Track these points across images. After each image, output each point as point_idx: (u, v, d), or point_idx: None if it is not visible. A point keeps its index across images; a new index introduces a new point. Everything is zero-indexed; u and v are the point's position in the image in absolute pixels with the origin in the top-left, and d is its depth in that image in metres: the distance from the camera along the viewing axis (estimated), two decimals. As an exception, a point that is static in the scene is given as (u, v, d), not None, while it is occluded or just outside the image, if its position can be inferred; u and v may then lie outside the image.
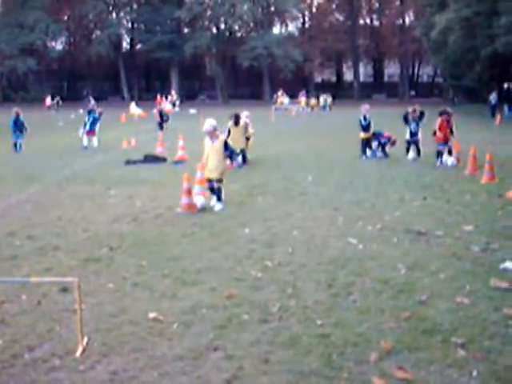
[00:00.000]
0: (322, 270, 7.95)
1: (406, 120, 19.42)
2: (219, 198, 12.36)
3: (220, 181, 12.42)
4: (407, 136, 19.51)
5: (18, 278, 7.69)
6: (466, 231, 9.91)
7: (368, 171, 17.28)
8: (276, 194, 13.71)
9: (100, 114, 26.49)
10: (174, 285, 7.48)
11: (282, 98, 61.77)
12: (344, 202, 12.61)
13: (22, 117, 24.68)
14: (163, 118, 34.56)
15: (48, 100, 63.36)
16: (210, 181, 12.50)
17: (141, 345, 5.74)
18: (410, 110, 19.49)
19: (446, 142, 18.19)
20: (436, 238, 9.51)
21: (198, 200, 12.24)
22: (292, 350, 5.57)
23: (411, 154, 19.47)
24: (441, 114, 18.49)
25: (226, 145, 12.43)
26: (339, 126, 36.37)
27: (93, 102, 28.51)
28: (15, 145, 24.28)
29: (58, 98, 63.15)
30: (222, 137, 12.92)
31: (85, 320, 5.91)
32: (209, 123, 12.46)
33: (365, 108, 20.63)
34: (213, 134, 12.41)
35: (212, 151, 12.36)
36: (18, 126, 24.37)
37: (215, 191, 12.43)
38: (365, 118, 20.38)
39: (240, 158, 17.99)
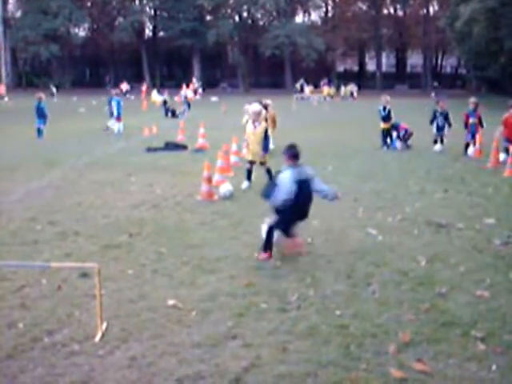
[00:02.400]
0: (341, 261, 7.93)
1: (433, 120, 19.47)
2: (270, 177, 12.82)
3: (265, 163, 12.92)
4: (434, 130, 19.45)
5: (39, 262, 7.74)
6: (487, 224, 9.83)
7: (389, 162, 17.19)
8: (296, 183, 13.66)
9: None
10: (193, 272, 7.50)
11: (309, 89, 61.73)
12: (364, 193, 12.57)
13: (43, 103, 24.69)
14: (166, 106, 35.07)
15: (124, 86, 62.77)
16: (251, 163, 12.98)
17: (159, 331, 5.76)
18: (438, 108, 19.40)
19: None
20: (457, 230, 9.45)
21: (225, 187, 12.20)
22: (310, 340, 5.56)
23: (438, 145, 19.38)
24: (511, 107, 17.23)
25: (266, 133, 12.68)
26: (360, 115, 36.20)
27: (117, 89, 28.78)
28: (38, 130, 24.35)
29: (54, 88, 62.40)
30: (264, 124, 13.04)
31: (104, 305, 5.94)
32: (257, 105, 12.80)
33: (385, 99, 20.52)
34: (258, 117, 12.69)
35: (255, 136, 12.75)
36: (39, 112, 24.43)
37: (267, 171, 12.85)
38: (384, 109, 20.30)
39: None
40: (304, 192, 7.92)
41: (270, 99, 20.67)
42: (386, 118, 20.24)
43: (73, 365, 5.13)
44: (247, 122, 13.37)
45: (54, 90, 60.14)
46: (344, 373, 4.96)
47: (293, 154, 8.03)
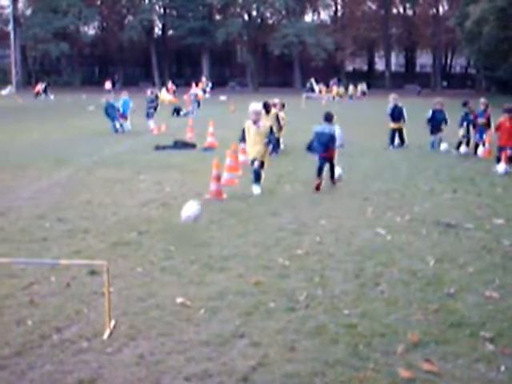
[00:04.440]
0: (349, 260, 7.92)
1: (462, 123, 18.92)
2: (258, 179, 12.50)
3: (262, 164, 12.54)
4: (463, 133, 18.91)
5: (48, 259, 7.76)
6: (496, 224, 9.80)
7: (398, 161, 17.16)
8: (304, 182, 13.66)
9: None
10: (202, 271, 7.50)
11: (318, 88, 61.65)
12: (373, 192, 12.55)
13: (112, 102, 25.74)
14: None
15: (108, 84, 63.13)
16: (254, 161, 12.59)
17: (168, 329, 5.77)
18: (467, 110, 18.99)
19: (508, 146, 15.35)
20: (466, 230, 9.43)
21: (190, 209, 10.68)
22: (318, 339, 5.55)
23: (463, 147, 18.72)
24: (507, 112, 15.59)
25: (271, 131, 12.51)
26: (369, 115, 36.11)
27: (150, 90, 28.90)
28: (115, 127, 25.36)
29: (44, 84, 62.28)
30: (268, 123, 12.93)
31: (113, 303, 5.95)
32: (258, 105, 12.57)
33: (393, 97, 20.49)
34: (259, 117, 12.44)
35: (257, 136, 12.38)
36: (109, 112, 25.39)
37: (256, 172, 12.54)
38: (392, 108, 20.28)
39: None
40: (319, 138, 13.17)
41: (278, 98, 20.69)
42: (395, 118, 20.20)
43: (81, 362, 5.14)
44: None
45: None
46: (352, 372, 4.95)
47: (324, 117, 13.49)
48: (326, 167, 13.24)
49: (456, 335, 5.63)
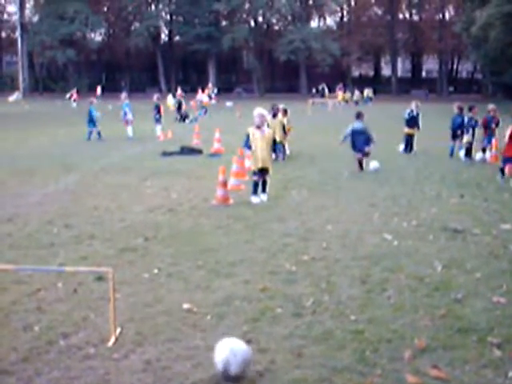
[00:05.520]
0: (356, 266, 7.90)
1: (469, 126, 18.47)
2: (265, 189, 12.38)
3: (268, 171, 12.33)
4: (470, 138, 18.45)
5: (55, 266, 7.77)
6: (503, 230, 9.77)
7: (404, 167, 17.14)
8: (311, 187, 13.66)
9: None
10: (208, 276, 7.50)
11: (344, 94, 61.55)
12: (380, 198, 12.53)
13: (92, 107, 25.31)
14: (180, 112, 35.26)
15: (99, 89, 63.58)
16: (262, 171, 12.20)
17: (174, 335, 5.76)
18: (471, 115, 18.73)
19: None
20: (473, 236, 9.40)
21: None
22: (325, 345, 5.54)
23: (480, 154, 18.49)
24: None
25: (274, 138, 12.43)
26: (376, 120, 36.05)
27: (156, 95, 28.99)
28: (90, 133, 25.03)
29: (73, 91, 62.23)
30: (271, 130, 12.75)
31: (119, 309, 5.96)
32: (262, 109, 12.28)
33: (415, 104, 20.39)
34: (263, 121, 12.16)
35: (263, 141, 12.06)
36: (90, 116, 25.16)
37: (264, 182, 12.32)
38: (409, 114, 20.23)
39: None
40: (355, 134, 16.27)
41: (284, 104, 20.69)
42: (409, 123, 20.14)
43: (88, 368, 5.14)
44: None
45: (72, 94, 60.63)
46: (359, 378, 4.94)
47: (356, 115, 16.65)
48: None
49: (463, 341, 5.61)
